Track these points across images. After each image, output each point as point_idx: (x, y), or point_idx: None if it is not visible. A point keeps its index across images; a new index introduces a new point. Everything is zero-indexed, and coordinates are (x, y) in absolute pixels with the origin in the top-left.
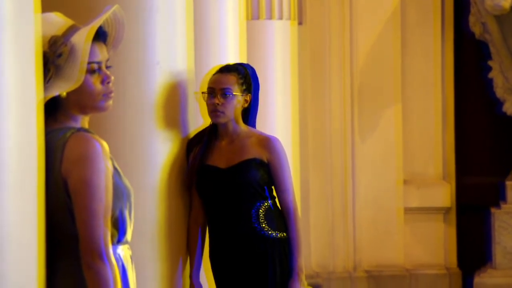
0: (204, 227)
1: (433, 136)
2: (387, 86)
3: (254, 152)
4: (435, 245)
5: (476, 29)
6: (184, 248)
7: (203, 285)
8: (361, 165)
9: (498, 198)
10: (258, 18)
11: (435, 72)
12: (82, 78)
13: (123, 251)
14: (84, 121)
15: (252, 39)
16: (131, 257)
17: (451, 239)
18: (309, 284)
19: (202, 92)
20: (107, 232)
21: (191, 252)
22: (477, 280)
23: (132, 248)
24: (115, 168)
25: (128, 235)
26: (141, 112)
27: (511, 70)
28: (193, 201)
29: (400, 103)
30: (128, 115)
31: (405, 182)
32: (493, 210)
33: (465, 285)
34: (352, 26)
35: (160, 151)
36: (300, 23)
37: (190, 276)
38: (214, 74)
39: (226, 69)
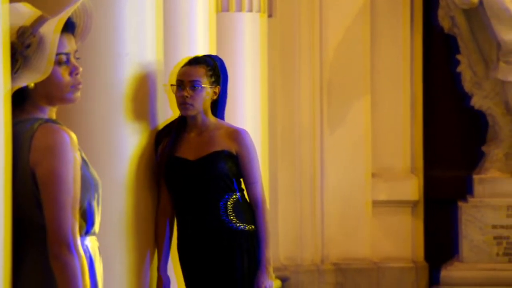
0: (172, 219)
1: (402, 129)
2: (356, 79)
3: (223, 144)
4: (403, 238)
5: (445, 23)
6: (152, 241)
7: (171, 278)
8: (329, 158)
9: (466, 191)
10: (228, 10)
11: (404, 65)
12: (50, 69)
13: (91, 242)
14: (51, 112)
15: (221, 31)
16: (98, 249)
17: (419, 232)
18: (277, 277)
19: (171, 85)
20: (75, 223)
21: (159, 244)
22: (443, 273)
23: (100, 239)
24: (83, 159)
25: (96, 227)
26: (110, 104)
27: (479, 65)
28: (161, 193)
29: (369, 96)
30: (96, 107)
31: (373, 175)
32: (460, 203)
33: (431, 278)
34: (322, 18)
35: (128, 143)
36: (270, 16)
37: (158, 269)
38: (182, 66)
39: (195, 61)
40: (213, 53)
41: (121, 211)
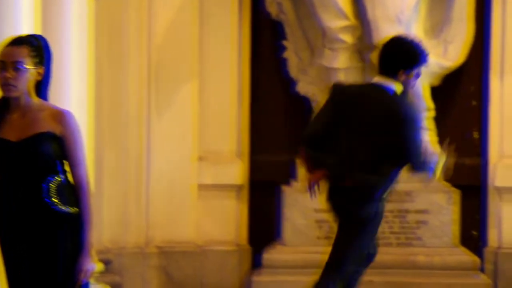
0: None
1: (229, 114)
2: (184, 63)
3: (46, 125)
4: (227, 222)
5: (272, 8)
6: None
7: None
8: (156, 141)
9: (289, 176)
10: None
11: (231, 50)
12: None
13: None
14: None
15: (47, 11)
16: None
17: (243, 216)
18: (99, 260)
19: None
20: None
21: None
22: (266, 256)
23: None
24: None
25: None
26: None
27: (304, 51)
28: None
29: (197, 80)
30: None
31: (200, 158)
32: (283, 187)
33: (254, 261)
34: (151, 2)
35: None
36: None
37: None
38: (5, 47)
39: (18, 42)
40: (38, 33)
41: None
